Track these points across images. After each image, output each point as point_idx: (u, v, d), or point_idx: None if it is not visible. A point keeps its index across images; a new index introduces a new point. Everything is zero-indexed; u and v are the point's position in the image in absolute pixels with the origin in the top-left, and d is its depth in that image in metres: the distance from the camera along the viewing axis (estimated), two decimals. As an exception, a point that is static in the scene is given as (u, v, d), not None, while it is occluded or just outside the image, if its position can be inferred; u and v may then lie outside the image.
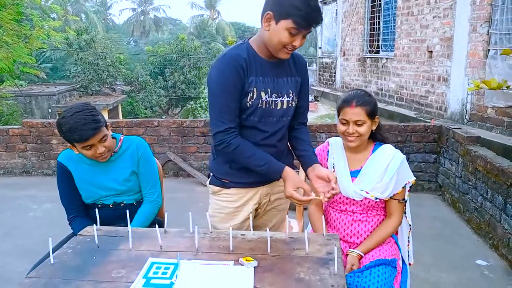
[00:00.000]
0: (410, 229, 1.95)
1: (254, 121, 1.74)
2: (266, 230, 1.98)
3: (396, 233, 2.00)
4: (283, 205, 1.99)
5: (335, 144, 1.98)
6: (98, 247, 1.54)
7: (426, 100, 5.95)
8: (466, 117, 4.93)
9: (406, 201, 1.92)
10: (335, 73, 9.70)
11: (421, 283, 2.79)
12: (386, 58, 7.19)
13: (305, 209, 2.28)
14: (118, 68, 18.29)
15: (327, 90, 9.94)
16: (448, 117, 5.30)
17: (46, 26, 10.60)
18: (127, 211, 1.68)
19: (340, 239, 1.94)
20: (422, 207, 4.24)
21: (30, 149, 5.31)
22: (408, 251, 1.96)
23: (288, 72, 1.79)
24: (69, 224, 2.05)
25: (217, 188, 1.88)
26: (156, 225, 1.53)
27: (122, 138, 2.10)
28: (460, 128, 4.32)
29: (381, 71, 7.39)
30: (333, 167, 1.93)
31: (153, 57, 19.04)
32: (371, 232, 1.90)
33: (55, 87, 16.50)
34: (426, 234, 3.56)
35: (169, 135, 5.07)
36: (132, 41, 37.33)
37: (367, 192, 1.85)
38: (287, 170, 1.69)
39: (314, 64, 16.87)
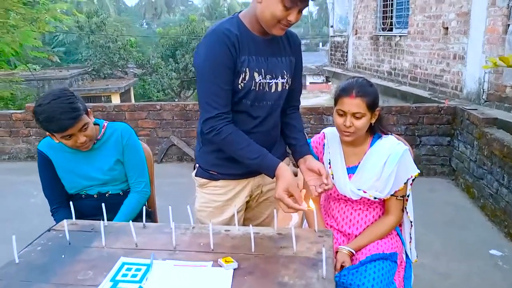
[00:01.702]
0: (412, 226, 1.78)
1: (247, 105, 1.56)
2: (258, 223, 1.86)
3: (400, 225, 1.84)
4: None
5: (331, 136, 1.80)
6: (69, 244, 1.42)
7: (441, 79, 5.68)
8: (483, 97, 4.67)
9: (408, 196, 1.74)
10: (347, 52, 9.39)
11: (428, 273, 2.64)
12: (399, 36, 6.88)
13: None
14: (129, 51, 18.16)
15: (339, 71, 9.65)
16: (464, 97, 5.04)
17: (59, 10, 10.49)
18: (103, 204, 1.56)
19: (338, 230, 1.80)
20: (434, 192, 4.06)
21: (34, 134, 5.25)
22: (410, 249, 1.79)
23: (282, 51, 1.61)
24: (52, 215, 1.96)
25: (204, 180, 1.72)
26: (131, 222, 1.41)
27: (105, 124, 1.97)
28: (476, 109, 4.08)
29: (394, 50, 7.09)
30: (329, 163, 1.77)
31: (164, 39, 18.81)
32: (372, 223, 1.75)
33: (68, 71, 16.48)
34: (438, 220, 3.39)
35: (172, 119, 4.95)
36: (144, 23, 37.09)
37: (364, 192, 1.69)
38: (282, 168, 1.49)
39: (328, 44, 16.40)
